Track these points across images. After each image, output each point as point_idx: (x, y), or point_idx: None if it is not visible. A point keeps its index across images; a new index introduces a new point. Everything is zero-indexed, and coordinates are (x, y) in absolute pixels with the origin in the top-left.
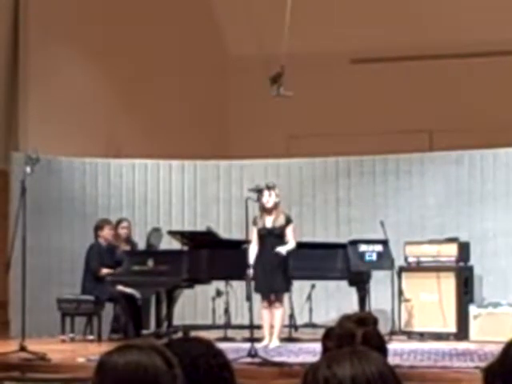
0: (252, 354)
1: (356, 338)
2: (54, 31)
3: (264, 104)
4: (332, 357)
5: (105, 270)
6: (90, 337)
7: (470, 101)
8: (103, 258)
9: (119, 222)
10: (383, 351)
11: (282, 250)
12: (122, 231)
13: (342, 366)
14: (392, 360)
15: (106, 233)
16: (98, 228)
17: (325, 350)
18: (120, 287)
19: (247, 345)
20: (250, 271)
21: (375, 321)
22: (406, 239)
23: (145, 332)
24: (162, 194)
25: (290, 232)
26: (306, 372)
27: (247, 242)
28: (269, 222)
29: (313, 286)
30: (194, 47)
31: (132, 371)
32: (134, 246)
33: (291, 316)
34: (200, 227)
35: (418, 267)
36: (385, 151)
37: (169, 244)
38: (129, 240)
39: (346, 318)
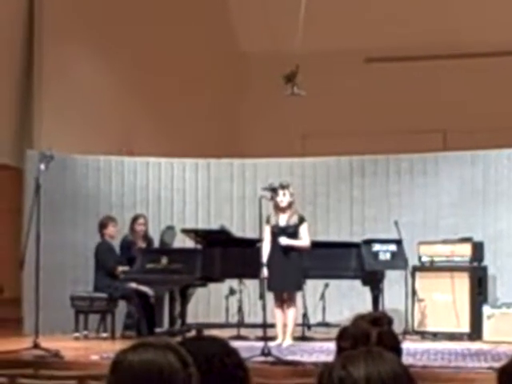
0: (265, 352)
1: (371, 338)
2: (68, 30)
3: (278, 103)
4: (347, 357)
5: (121, 268)
6: (104, 334)
7: (484, 101)
8: (114, 255)
9: (136, 218)
10: (398, 351)
11: (284, 240)
12: (139, 228)
13: (356, 366)
14: (405, 360)
15: (110, 230)
16: (102, 226)
17: (339, 349)
18: (134, 285)
19: (260, 343)
20: (264, 270)
21: (390, 321)
22: (419, 239)
23: (158, 330)
24: (176, 192)
25: (304, 230)
26: (321, 372)
27: (261, 240)
28: (282, 220)
29: (326, 285)
30: (208, 45)
31: (147, 370)
32: (150, 242)
33: (304, 315)
34: (214, 225)
35: (432, 267)
36: (399, 151)
37: (182, 242)
38: (146, 236)
39: (360, 318)
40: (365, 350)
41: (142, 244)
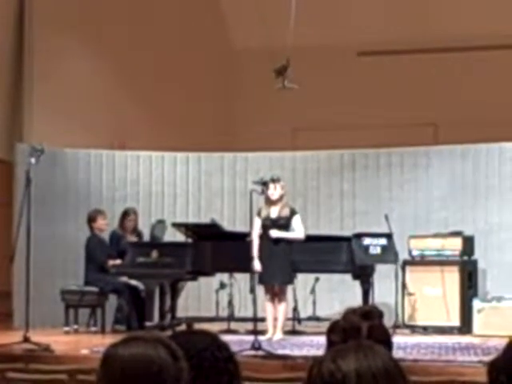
0: (255, 346)
1: (361, 332)
2: (59, 23)
3: (269, 96)
4: (337, 350)
5: (111, 262)
6: (94, 328)
7: (475, 94)
8: (104, 249)
9: (126, 213)
10: (388, 345)
11: (274, 233)
12: (129, 223)
13: (346, 359)
14: (395, 353)
15: (100, 223)
16: (91, 219)
17: (329, 343)
18: (124, 279)
19: (251, 337)
20: (255, 263)
21: (380, 314)
22: (410, 233)
23: (148, 324)
24: (167, 186)
25: (297, 222)
26: (311, 365)
27: (251, 234)
28: (274, 213)
29: (316, 279)
30: (200, 39)
31: (137, 363)
32: (140, 236)
33: (295, 309)
34: (204, 219)
35: (422, 261)
36: (390, 144)
37: (173, 236)
38: (135, 230)
39: (350, 312)
40: (355, 344)
41: (131, 238)
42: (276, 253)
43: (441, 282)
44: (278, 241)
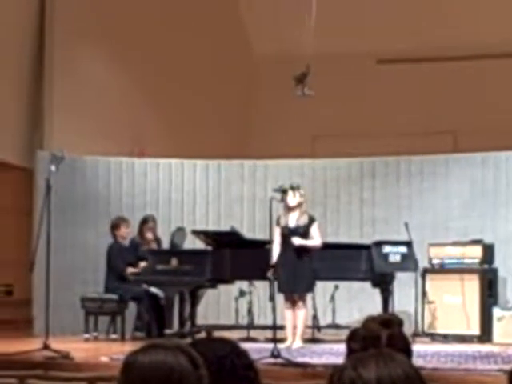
0: (275, 354)
1: (381, 340)
2: (79, 30)
3: (289, 104)
4: (358, 358)
5: (130, 269)
6: (114, 336)
7: (494, 102)
8: (125, 257)
9: (144, 221)
10: (408, 353)
11: (297, 241)
12: (148, 234)
13: (367, 367)
14: (415, 362)
15: (123, 231)
16: (115, 227)
17: (349, 351)
18: (144, 286)
19: (270, 345)
20: (274, 271)
21: (400, 322)
22: (430, 241)
23: (168, 331)
24: (186, 194)
25: (315, 230)
26: (332, 373)
27: (271, 242)
28: (292, 221)
29: (336, 287)
30: (219, 46)
31: (158, 371)
32: (159, 242)
33: (314, 317)
34: (224, 227)
35: (442, 269)
36: (409, 152)
37: (192, 244)
38: (154, 236)
39: (370, 320)
40: (376, 352)
41: (152, 245)
42: (297, 261)
43: (461, 291)
44: (297, 249)
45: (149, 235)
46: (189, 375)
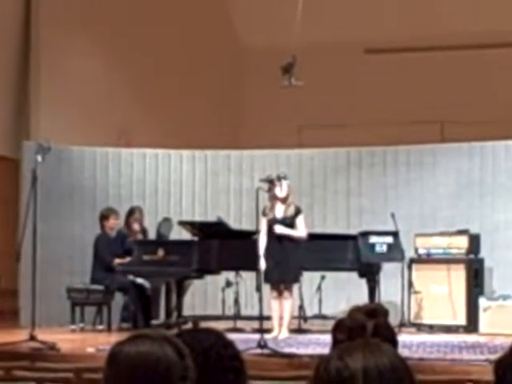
0: (261, 344)
1: (367, 330)
2: (65, 21)
3: (276, 94)
4: (344, 348)
5: (117, 260)
6: (100, 326)
7: (482, 92)
8: (112, 248)
9: (131, 212)
10: (394, 343)
11: (279, 229)
12: (134, 226)
13: (354, 357)
14: (401, 352)
15: (111, 223)
16: (103, 218)
17: (335, 341)
18: (130, 277)
19: (256, 336)
20: (261, 262)
21: (386, 313)
22: (416, 231)
23: (154, 322)
24: (173, 184)
25: (300, 222)
26: (318, 363)
27: (257, 232)
28: (279, 212)
29: (323, 277)
30: (206, 37)
31: (144, 361)
32: (145, 233)
33: (301, 307)
34: (210, 217)
35: (429, 259)
36: (396, 142)
37: (179, 234)
38: (142, 229)
39: (356, 310)
40: (362, 342)
41: (137, 236)
42: (283, 252)
43: (447, 281)
44: (284, 240)
45: (135, 226)
46: (175, 366)
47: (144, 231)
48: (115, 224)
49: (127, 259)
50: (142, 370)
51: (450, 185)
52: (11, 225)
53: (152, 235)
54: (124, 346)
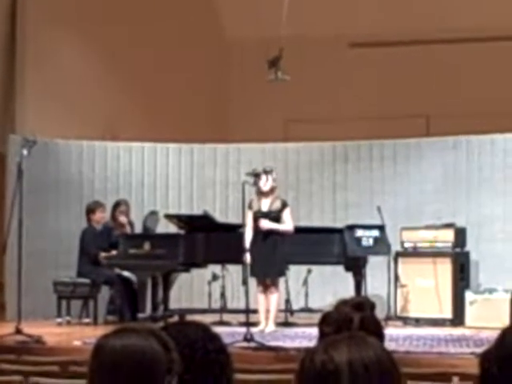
0: (248, 338)
1: (353, 323)
2: (51, 15)
3: (262, 88)
4: (329, 341)
5: (103, 254)
6: (86, 320)
7: (467, 86)
8: (98, 242)
9: (117, 205)
10: (380, 337)
11: (265, 224)
12: (121, 218)
13: (339, 350)
14: (388, 345)
15: (98, 216)
16: (90, 211)
17: (322, 334)
18: (116, 270)
19: (243, 329)
20: (247, 255)
21: (372, 306)
22: (402, 225)
23: (140, 315)
24: (159, 178)
25: (287, 215)
26: (304, 356)
27: (243, 225)
28: (265, 205)
29: (309, 271)
30: (193, 30)
31: (129, 354)
32: (131, 226)
33: (287, 301)
34: (197, 211)
35: (415, 253)
36: (382, 136)
37: (165, 227)
38: (128, 221)
39: (342, 303)
40: (348, 335)
41: (124, 228)
42: (268, 245)
43: (433, 274)
44: (269, 233)
45: (122, 219)
46: (160, 359)
47: (131, 224)
48: (102, 217)
49: (113, 253)
50: (128, 363)
51: (436, 179)
52: None
53: (138, 229)
54: (109, 339)
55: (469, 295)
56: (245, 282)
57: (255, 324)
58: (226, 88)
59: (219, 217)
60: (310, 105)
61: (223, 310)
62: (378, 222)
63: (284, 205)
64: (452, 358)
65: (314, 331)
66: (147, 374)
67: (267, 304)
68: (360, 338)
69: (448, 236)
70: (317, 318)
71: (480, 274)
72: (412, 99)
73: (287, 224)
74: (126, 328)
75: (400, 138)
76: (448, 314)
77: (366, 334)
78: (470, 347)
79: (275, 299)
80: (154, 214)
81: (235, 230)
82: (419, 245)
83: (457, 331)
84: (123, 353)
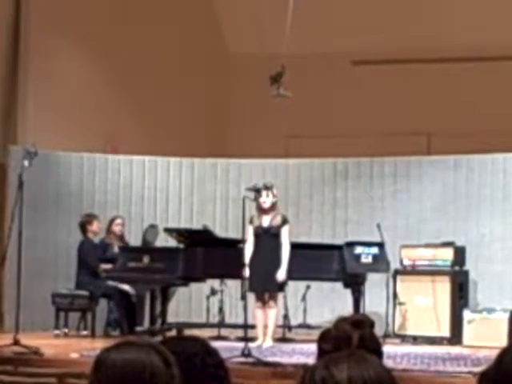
0: (245, 353)
1: (352, 341)
2: (54, 26)
3: (263, 103)
4: (330, 358)
5: (103, 266)
6: (84, 332)
7: (468, 105)
8: (97, 253)
9: (113, 219)
10: (379, 354)
11: (281, 275)
12: (117, 228)
13: (339, 367)
14: (385, 363)
15: (96, 226)
16: (87, 223)
17: (320, 351)
18: (115, 283)
19: (241, 344)
20: (246, 270)
21: (372, 323)
22: (402, 242)
23: (139, 329)
24: (159, 191)
25: (285, 232)
26: (304, 372)
27: (243, 241)
28: (265, 221)
29: (308, 287)
30: (195, 45)
31: (130, 369)
32: (126, 245)
33: (285, 316)
34: (196, 225)
35: (414, 271)
36: (383, 153)
37: (165, 241)
38: (122, 238)
39: (342, 320)
40: (348, 353)
41: (118, 244)
42: (268, 261)
43: (432, 292)
44: (270, 249)
45: (117, 229)
46: (161, 374)
47: (126, 244)
48: (99, 228)
49: (110, 266)
50: (128, 378)
51: (436, 197)
52: None
53: (137, 242)
54: (110, 352)
55: (467, 314)
56: (243, 297)
57: (253, 339)
58: (227, 103)
59: (219, 232)
60: (311, 121)
61: (221, 324)
62: (377, 239)
63: (284, 221)
64: (449, 377)
65: (312, 347)
66: None
67: (265, 319)
68: (360, 356)
69: (447, 255)
70: (315, 334)
71: (478, 293)
72: (413, 117)
73: (284, 245)
74: (127, 342)
75: (401, 155)
76: (446, 332)
77: (366, 352)
78: (467, 366)
79: (274, 314)
80: (153, 227)
81: (235, 245)
82: (418, 263)
83: (454, 350)
84: (124, 367)
